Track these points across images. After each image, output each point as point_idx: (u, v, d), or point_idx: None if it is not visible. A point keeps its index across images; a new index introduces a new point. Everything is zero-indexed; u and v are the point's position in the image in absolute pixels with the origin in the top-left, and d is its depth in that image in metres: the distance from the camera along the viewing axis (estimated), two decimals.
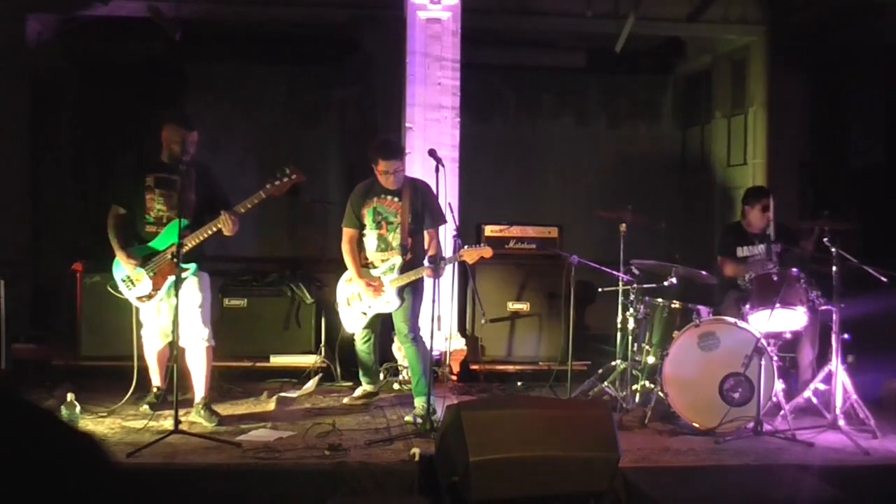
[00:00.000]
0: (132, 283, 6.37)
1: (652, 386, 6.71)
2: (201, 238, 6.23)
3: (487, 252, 6.53)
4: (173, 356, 6.03)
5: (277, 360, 7.82)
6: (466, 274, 7.69)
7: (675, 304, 6.87)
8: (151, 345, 6.59)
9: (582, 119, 10.46)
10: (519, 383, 7.76)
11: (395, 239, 6.65)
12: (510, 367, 7.95)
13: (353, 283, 6.79)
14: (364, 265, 6.78)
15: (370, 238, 6.73)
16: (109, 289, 6.48)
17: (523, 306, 8.05)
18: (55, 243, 8.90)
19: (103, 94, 9.30)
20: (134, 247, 6.38)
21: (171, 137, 6.30)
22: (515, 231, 8.20)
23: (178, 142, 6.27)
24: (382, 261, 6.69)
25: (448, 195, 6.63)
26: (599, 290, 7.35)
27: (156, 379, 6.70)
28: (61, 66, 9.22)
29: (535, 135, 10.28)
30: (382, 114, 8.85)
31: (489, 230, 8.18)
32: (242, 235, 6.55)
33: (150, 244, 6.35)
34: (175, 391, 5.84)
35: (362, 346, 7.01)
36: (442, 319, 6.53)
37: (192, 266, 6.30)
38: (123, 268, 6.37)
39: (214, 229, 6.20)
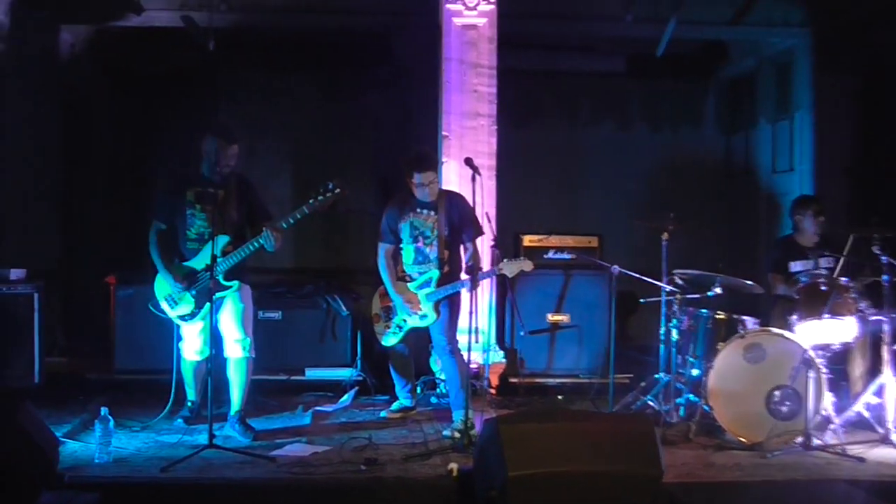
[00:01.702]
0: (175, 302, 6.43)
1: (696, 399, 6.66)
2: (243, 255, 6.28)
3: (528, 266, 6.57)
4: (208, 370, 6.09)
5: (313, 374, 7.85)
6: (505, 285, 7.68)
7: (720, 315, 6.82)
8: (190, 359, 6.63)
9: (622, 125, 10.42)
10: (559, 397, 7.73)
11: (431, 252, 6.68)
12: (550, 380, 7.92)
13: (389, 297, 6.83)
14: (400, 278, 6.80)
15: (407, 252, 6.76)
16: (151, 308, 6.52)
17: (563, 318, 8.02)
18: (88, 256, 8.99)
19: (137, 106, 9.41)
20: (175, 265, 6.43)
21: (212, 150, 6.32)
22: (554, 241, 8.19)
23: (219, 154, 6.29)
24: (419, 274, 6.72)
25: (485, 205, 6.62)
26: (641, 300, 7.33)
27: (191, 393, 6.74)
28: (94, 78, 9.35)
29: (574, 142, 10.24)
30: (417, 122, 8.88)
31: (528, 240, 8.20)
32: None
33: (190, 261, 6.39)
34: (210, 405, 5.89)
35: (399, 360, 7.04)
36: (480, 332, 6.52)
37: (234, 283, 6.36)
38: (166, 286, 6.42)
39: (256, 245, 6.24)
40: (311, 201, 6.17)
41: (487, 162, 7.92)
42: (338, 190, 6.17)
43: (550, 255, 8.14)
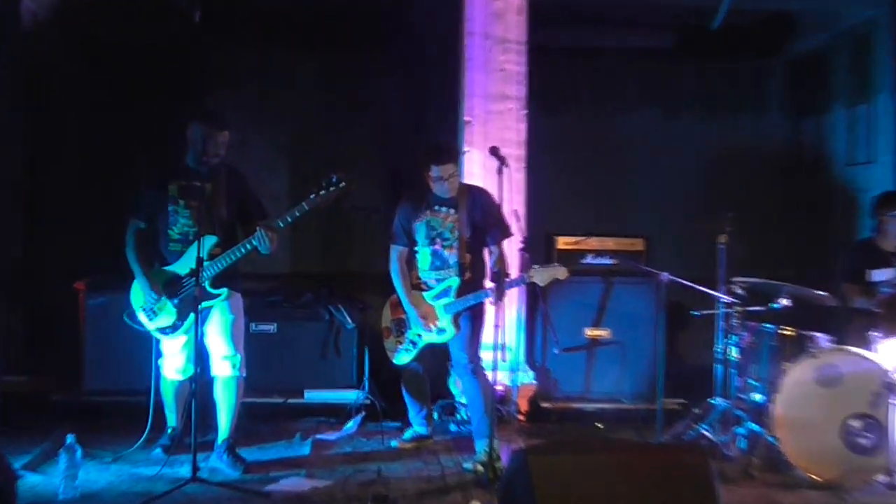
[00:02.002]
0: (153, 313, 6.45)
1: (759, 429, 6.63)
2: (233, 258, 6.31)
3: (562, 273, 6.56)
4: (192, 391, 6.10)
5: (313, 396, 7.88)
6: (536, 295, 7.71)
7: (787, 331, 6.79)
8: (170, 378, 6.66)
9: (671, 110, 10.35)
10: (598, 425, 7.74)
11: (451, 256, 6.71)
12: (588, 406, 7.95)
13: (402, 308, 6.85)
14: (415, 286, 6.82)
15: (423, 255, 6.79)
16: (126, 319, 6.56)
17: (603, 333, 8.05)
18: (54, 258, 8.95)
19: (111, 86, 9.38)
20: (155, 269, 6.47)
21: (198, 138, 6.34)
22: (593, 243, 8.22)
23: (207, 143, 6.31)
24: (437, 281, 6.74)
25: (513, 201, 6.65)
26: (694, 313, 7.31)
27: (172, 418, 6.76)
28: (61, 53, 9.31)
29: (615, 129, 10.17)
30: (435, 106, 8.87)
31: (562, 242, 8.23)
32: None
33: (172, 265, 6.43)
34: (193, 432, 5.87)
35: (411, 380, 7.07)
36: (507, 349, 6.55)
37: (223, 291, 6.40)
38: (144, 294, 6.45)
39: (249, 247, 6.28)
40: (311, 197, 6.20)
41: (516, 151, 7.94)
42: (343, 184, 6.20)
43: (588, 259, 8.16)
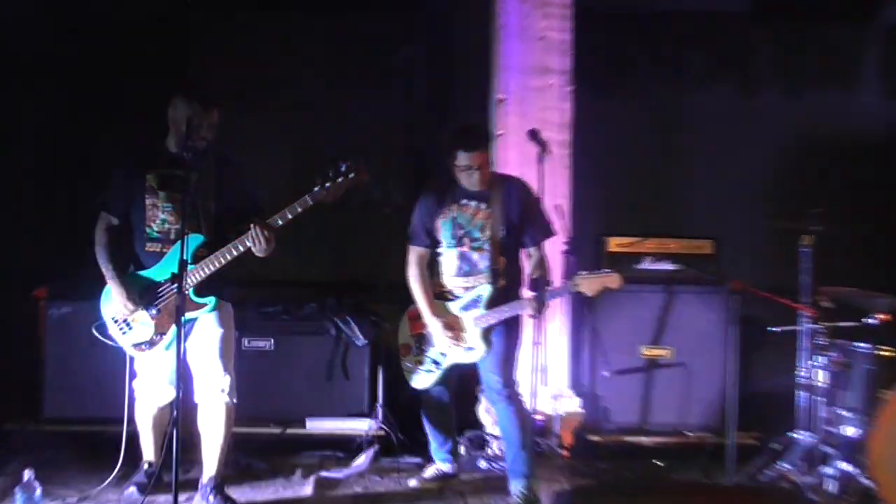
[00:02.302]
0: (127, 325, 6.47)
1: (852, 468, 6.61)
2: (222, 261, 6.32)
3: (614, 281, 6.55)
4: (173, 418, 5.93)
5: (316, 426, 7.91)
6: (583, 306, 7.75)
7: (885, 351, 6.76)
8: (147, 403, 6.67)
9: (746, 87, 10.31)
10: (657, 462, 7.73)
11: (481, 260, 6.71)
12: (644, 439, 7.97)
13: (423, 322, 6.86)
14: (438, 296, 6.85)
15: (448, 258, 6.81)
16: (95, 332, 6.55)
17: (663, 352, 8.07)
18: (10, 261, 8.96)
19: (78, 55, 9.40)
20: (130, 273, 6.48)
21: (181, 117, 6.33)
22: (651, 245, 8.26)
23: (192, 124, 6.27)
24: (464, 289, 6.76)
25: (556, 194, 6.68)
26: (773, 329, 7.29)
27: (148, 451, 6.76)
28: (20, 19, 9.35)
29: (679, 109, 10.08)
30: (463, 81, 8.91)
31: (614, 244, 8.26)
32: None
33: (150, 269, 6.44)
34: (175, 468, 5.77)
35: (435, 408, 7.09)
36: (548, 370, 6.55)
37: (210, 301, 6.41)
38: (116, 303, 6.45)
39: (241, 248, 6.29)
40: (316, 189, 6.21)
41: (559, 136, 7.98)
42: (353, 174, 6.21)
43: (646, 265, 8.21)
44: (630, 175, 9.79)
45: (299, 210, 6.23)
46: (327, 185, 6.20)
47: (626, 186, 9.70)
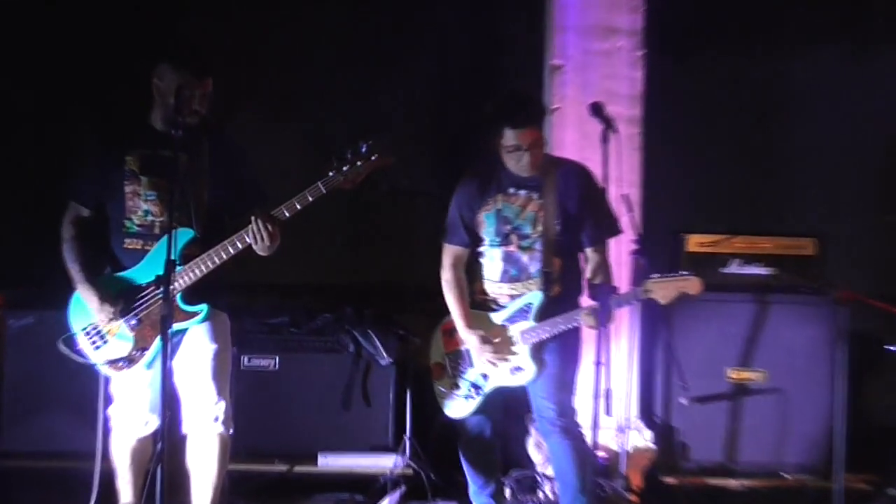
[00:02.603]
0: (101, 338, 6.41)
1: None
2: (217, 261, 6.28)
3: (693, 287, 6.45)
4: (157, 453, 5.88)
5: (331, 463, 7.91)
6: (657, 319, 7.74)
7: None
8: (125, 434, 6.59)
9: (858, 50, 10.24)
10: None
11: (532, 261, 6.66)
12: (731, 482, 7.94)
13: (459, 337, 6.83)
14: (479, 305, 6.82)
15: (491, 260, 6.76)
16: (62, 348, 6.47)
17: (754, 375, 8.03)
18: None
19: (44, 15, 9.43)
20: (105, 275, 6.44)
21: (168, 87, 6.28)
22: (740, 244, 8.23)
23: (181, 95, 6.21)
24: (511, 297, 6.71)
25: (623, 182, 6.69)
26: (890, 348, 7.28)
27: (126, 492, 6.67)
28: None
29: (774, 78, 10.00)
30: (511, 44, 8.90)
31: (694, 243, 8.22)
32: (273, 252, 6.48)
33: (130, 270, 6.40)
34: None
35: (475, 442, 7.01)
36: (613, 397, 6.47)
37: (202, 309, 6.36)
38: (88, 311, 6.42)
39: (240, 245, 6.24)
40: (330, 174, 6.17)
41: (628, 110, 8.00)
42: (374, 156, 6.16)
43: (733, 268, 8.18)
44: (714, 159, 9.70)
45: (310, 199, 6.18)
46: (344, 168, 6.15)
47: (710, 173, 9.63)
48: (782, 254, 8.21)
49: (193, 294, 6.31)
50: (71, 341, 6.45)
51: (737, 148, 9.81)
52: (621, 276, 7.03)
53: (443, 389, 6.94)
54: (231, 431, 6.44)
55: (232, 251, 6.24)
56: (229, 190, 6.44)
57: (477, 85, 8.82)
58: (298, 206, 6.18)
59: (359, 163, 6.14)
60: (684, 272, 6.53)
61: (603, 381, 6.13)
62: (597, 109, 6.50)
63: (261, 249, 6.23)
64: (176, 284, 6.11)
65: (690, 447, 8.01)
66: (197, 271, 6.26)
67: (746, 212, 9.06)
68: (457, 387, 6.87)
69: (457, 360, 6.89)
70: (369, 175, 6.21)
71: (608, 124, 6.41)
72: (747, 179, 9.72)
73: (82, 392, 6.82)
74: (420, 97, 9.74)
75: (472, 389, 6.81)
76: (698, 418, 7.96)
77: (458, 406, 6.89)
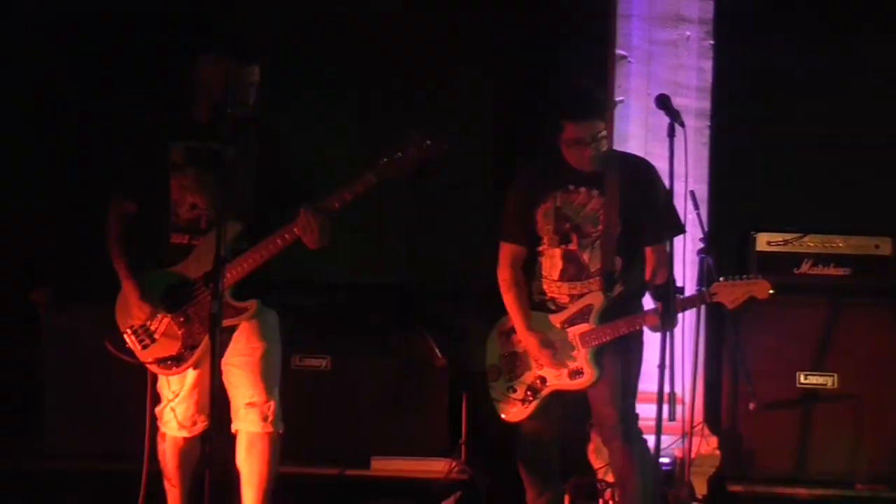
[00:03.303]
0: (149, 337, 6.50)
1: None
2: (266, 255, 6.34)
3: (762, 290, 6.54)
4: (206, 455, 6.00)
5: (383, 467, 8.03)
6: (723, 322, 7.80)
7: None
8: (172, 435, 6.66)
9: None
10: None
11: (593, 261, 6.70)
12: (801, 491, 7.97)
13: (516, 338, 6.88)
14: (538, 306, 6.84)
15: (550, 259, 6.78)
16: (109, 347, 6.56)
17: (827, 381, 8.09)
18: (1, 259, 9.07)
19: (91, 10, 9.46)
20: (152, 272, 6.51)
21: (214, 77, 6.35)
22: (813, 244, 8.29)
23: (228, 84, 6.30)
24: (571, 298, 6.75)
25: (690, 178, 6.69)
26: None
27: (174, 495, 6.77)
28: None
29: (851, 66, 9.76)
30: (573, 34, 8.93)
31: (764, 242, 8.27)
32: (325, 249, 6.52)
33: (176, 266, 6.47)
34: None
35: (532, 447, 7.06)
36: (677, 402, 6.53)
37: (253, 304, 6.43)
38: (136, 309, 6.49)
39: (289, 239, 6.30)
40: (381, 163, 6.22)
41: (697, 103, 8.10)
42: (427, 142, 6.21)
43: (805, 269, 8.24)
44: (787, 154, 9.60)
45: (361, 190, 6.23)
46: (397, 155, 6.20)
47: (782, 169, 9.54)
48: (857, 254, 8.23)
49: (243, 290, 6.36)
50: (117, 340, 6.53)
51: (811, 142, 9.66)
52: (688, 277, 7.07)
53: (498, 393, 6.96)
54: (281, 431, 6.50)
55: (281, 244, 6.31)
56: (276, 182, 6.50)
57: (538, 75, 8.84)
58: (348, 197, 6.24)
59: (411, 151, 6.18)
60: (752, 275, 6.63)
61: (667, 385, 6.14)
62: (663, 102, 6.44)
63: (310, 242, 6.27)
64: (225, 280, 6.08)
65: (758, 455, 8.05)
66: (246, 266, 6.32)
67: (820, 210, 9.02)
68: (513, 390, 6.89)
69: (513, 362, 6.90)
70: (423, 165, 6.24)
71: (675, 117, 6.35)
72: (821, 175, 9.60)
73: (129, 392, 6.81)
74: (479, 87, 9.77)
75: (529, 393, 6.83)
76: (766, 425, 8.00)
77: (515, 410, 6.90)
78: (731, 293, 6.54)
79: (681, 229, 6.71)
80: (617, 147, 7.53)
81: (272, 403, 6.49)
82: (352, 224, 6.63)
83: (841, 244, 8.32)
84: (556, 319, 6.79)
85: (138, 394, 6.73)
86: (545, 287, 6.83)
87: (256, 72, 6.42)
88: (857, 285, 8.17)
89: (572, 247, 6.73)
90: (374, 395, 8.21)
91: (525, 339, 6.79)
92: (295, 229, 6.28)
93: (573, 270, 6.75)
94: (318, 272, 8.76)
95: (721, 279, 6.59)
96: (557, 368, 6.77)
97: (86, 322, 7.67)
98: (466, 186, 9.06)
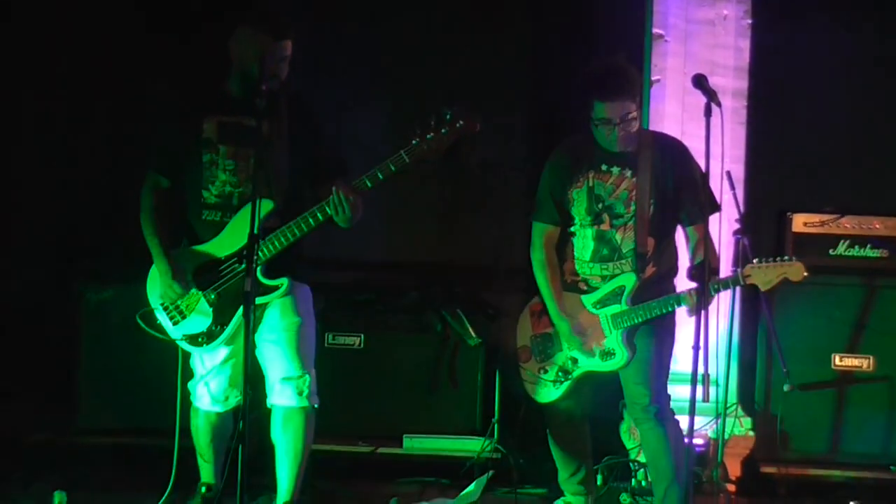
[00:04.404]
0: (179, 313, 6.60)
1: None
2: (297, 233, 6.39)
3: (796, 272, 6.54)
4: (238, 430, 5.94)
5: (416, 445, 8.09)
6: (758, 303, 7.81)
7: None
8: (205, 410, 6.75)
9: None
10: (852, 503, 7.75)
11: (625, 241, 6.76)
12: (835, 473, 7.99)
13: (548, 319, 6.94)
14: (570, 286, 6.92)
15: (582, 239, 6.84)
16: (140, 323, 6.66)
17: (863, 363, 8.11)
18: (38, 235, 9.24)
19: None
20: (183, 249, 6.59)
21: (247, 51, 6.42)
22: (849, 225, 8.27)
23: (258, 59, 6.37)
24: (602, 279, 6.81)
25: (726, 158, 6.68)
26: None
27: (207, 471, 6.88)
28: None
29: (892, 44, 9.55)
30: (609, 11, 8.97)
31: (800, 222, 8.25)
32: (358, 224, 6.57)
33: (208, 243, 6.55)
34: (240, 493, 5.84)
35: (563, 428, 7.18)
36: (711, 383, 6.51)
37: (283, 282, 6.48)
38: (167, 286, 6.56)
39: (321, 217, 6.35)
40: (414, 143, 6.26)
41: (733, 83, 8.11)
42: (460, 122, 6.25)
43: (841, 250, 8.24)
44: (824, 134, 9.49)
45: (393, 170, 6.28)
46: (428, 136, 6.24)
47: (819, 149, 9.43)
48: (894, 235, 8.20)
49: (274, 267, 6.44)
50: (149, 317, 6.63)
51: (849, 122, 9.56)
52: (723, 258, 7.08)
53: (530, 373, 7.04)
54: (317, 405, 6.58)
55: (313, 223, 6.38)
56: (309, 159, 6.56)
57: (574, 53, 8.80)
58: (381, 177, 6.30)
59: (443, 130, 6.22)
60: (786, 257, 6.58)
61: (700, 366, 6.08)
62: (699, 81, 6.39)
63: (342, 221, 6.35)
64: (256, 257, 6.10)
65: (792, 436, 8.04)
66: (277, 244, 6.39)
67: (857, 190, 9.01)
68: (544, 371, 6.98)
69: (545, 343, 6.99)
70: (456, 144, 6.28)
71: (711, 97, 6.29)
72: (859, 156, 9.52)
73: (161, 367, 6.90)
74: (514, 65, 9.72)
75: (561, 374, 6.92)
76: (801, 406, 7.98)
77: (546, 391, 7.00)
78: (764, 275, 6.54)
79: (717, 207, 6.67)
80: (653, 126, 7.65)
81: (307, 378, 6.57)
82: (387, 202, 6.66)
83: (878, 225, 8.28)
84: (588, 300, 6.85)
85: (171, 370, 6.79)
86: (577, 268, 6.90)
87: (289, 46, 6.47)
88: (894, 267, 8.15)
89: (604, 227, 6.79)
90: (406, 373, 8.25)
91: (557, 322, 6.86)
92: (327, 208, 6.35)
93: (605, 251, 6.81)
94: (352, 250, 8.84)
95: (755, 261, 6.57)
96: (590, 349, 6.82)
97: (120, 299, 7.74)
98: (502, 165, 9.02)
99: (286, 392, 6.57)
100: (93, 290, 8.06)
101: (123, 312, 7.00)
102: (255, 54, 6.38)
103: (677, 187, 6.75)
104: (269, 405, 6.62)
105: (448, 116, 6.25)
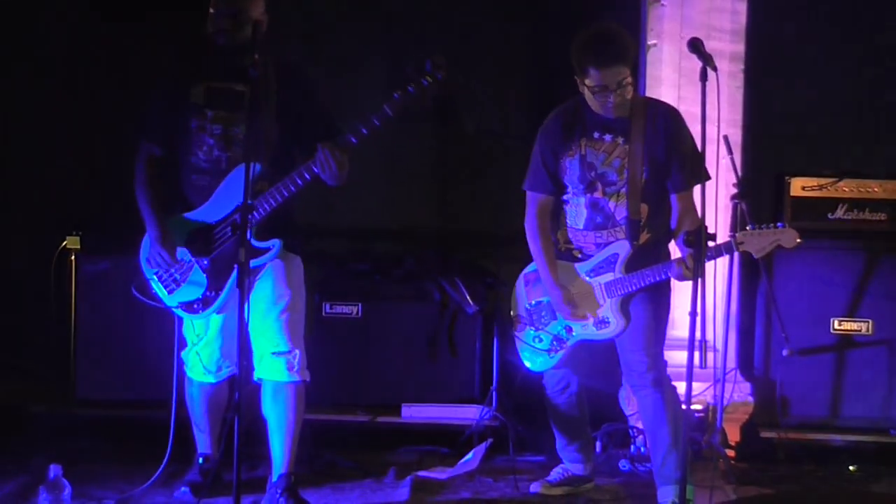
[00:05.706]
0: (174, 281, 6.67)
1: None
2: (286, 194, 6.43)
3: (789, 239, 6.56)
4: (234, 401, 5.97)
5: (415, 414, 8.18)
6: (756, 268, 7.92)
7: None
8: (200, 381, 6.84)
9: None
10: (851, 467, 7.87)
11: (618, 209, 6.82)
12: (835, 437, 8.08)
13: (542, 287, 7.02)
14: (564, 255, 7.02)
15: (575, 208, 6.92)
16: (135, 292, 6.75)
17: (861, 326, 8.21)
18: (33, 206, 9.36)
19: None
20: (175, 218, 6.66)
21: (226, 11, 6.47)
22: (848, 188, 8.34)
23: (241, 19, 6.43)
24: (597, 247, 6.87)
25: (724, 122, 6.78)
26: None
27: (203, 442, 7.01)
28: None
29: (890, 9, 9.56)
30: None
31: (798, 186, 8.32)
32: (355, 193, 6.76)
33: (198, 210, 6.61)
34: (236, 464, 5.88)
35: (560, 396, 7.24)
36: (709, 348, 6.77)
37: (274, 244, 6.51)
38: (160, 254, 6.64)
39: (308, 176, 6.39)
40: (396, 95, 6.31)
41: (730, 46, 8.16)
42: (441, 73, 6.31)
43: (840, 214, 8.31)
44: (822, 98, 9.54)
45: (377, 124, 6.32)
46: (410, 88, 6.30)
47: (817, 112, 9.51)
48: (893, 198, 8.29)
49: (265, 230, 6.51)
50: (145, 286, 6.72)
51: (847, 85, 9.61)
52: (721, 222, 7.19)
53: (524, 342, 7.14)
54: (307, 380, 6.64)
55: (300, 182, 6.45)
56: (299, 122, 6.64)
57: (570, 21, 8.35)
58: (365, 132, 6.35)
59: (424, 80, 6.27)
60: (780, 224, 6.59)
61: (697, 331, 6.10)
62: (695, 45, 6.38)
63: (329, 178, 6.42)
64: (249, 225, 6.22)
65: (791, 401, 8.16)
66: (266, 206, 6.45)
67: (855, 154, 9.08)
68: (539, 339, 7.06)
69: (539, 311, 7.08)
70: (436, 93, 6.30)
71: (707, 61, 6.31)
72: (857, 120, 9.59)
73: (159, 339, 7.04)
74: (513, 32, 9.76)
75: (555, 343, 7.01)
76: (800, 371, 8.12)
77: (541, 359, 7.09)
78: (757, 242, 6.59)
79: (706, 176, 6.56)
80: (650, 91, 7.74)
81: (296, 353, 6.62)
82: (384, 169, 6.69)
83: (877, 189, 8.38)
84: (582, 269, 6.94)
85: (168, 342, 6.89)
86: (571, 236, 6.97)
87: (256, 4, 6.52)
88: (893, 230, 8.25)
89: (598, 195, 6.84)
90: (405, 342, 8.35)
91: (550, 289, 6.94)
92: (313, 166, 6.42)
93: (599, 219, 6.85)
94: (350, 219, 8.93)
95: (749, 227, 6.63)
96: (584, 318, 6.90)
97: (116, 270, 7.84)
98: (499, 133, 9.11)
99: (277, 367, 6.62)
100: (90, 262, 8.13)
101: (120, 284, 7.09)
102: (234, 14, 6.46)
103: (668, 154, 6.77)
104: (256, 378, 6.66)
105: (428, 67, 6.29)
